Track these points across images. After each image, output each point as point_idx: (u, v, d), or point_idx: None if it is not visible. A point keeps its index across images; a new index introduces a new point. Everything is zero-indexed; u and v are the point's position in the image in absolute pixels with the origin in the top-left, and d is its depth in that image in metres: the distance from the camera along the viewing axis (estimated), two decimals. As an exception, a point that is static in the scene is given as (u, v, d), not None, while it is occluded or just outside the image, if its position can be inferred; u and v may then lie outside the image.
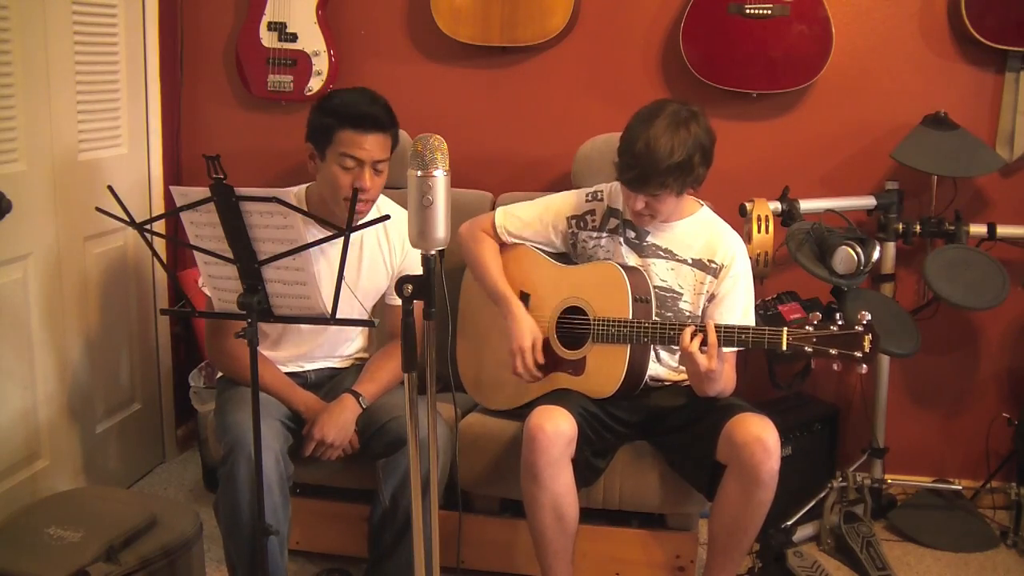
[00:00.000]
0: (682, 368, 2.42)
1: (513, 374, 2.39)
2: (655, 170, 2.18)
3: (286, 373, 2.46)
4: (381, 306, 2.56)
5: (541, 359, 2.37)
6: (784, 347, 2.11)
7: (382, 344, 2.57)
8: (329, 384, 2.53)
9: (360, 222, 1.97)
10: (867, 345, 2.04)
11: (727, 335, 2.16)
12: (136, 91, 3.11)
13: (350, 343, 2.58)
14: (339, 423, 2.34)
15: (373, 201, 2.35)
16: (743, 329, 2.17)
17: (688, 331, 2.17)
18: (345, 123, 2.25)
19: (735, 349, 2.28)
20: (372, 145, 2.26)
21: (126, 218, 1.86)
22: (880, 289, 2.97)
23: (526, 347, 2.36)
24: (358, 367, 2.54)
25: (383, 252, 2.48)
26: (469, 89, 3.20)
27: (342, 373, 2.56)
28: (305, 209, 2.34)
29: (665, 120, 2.20)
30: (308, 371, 2.53)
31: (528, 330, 2.37)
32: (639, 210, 2.29)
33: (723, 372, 2.22)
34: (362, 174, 2.26)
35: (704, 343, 2.15)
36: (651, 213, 2.30)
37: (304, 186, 2.47)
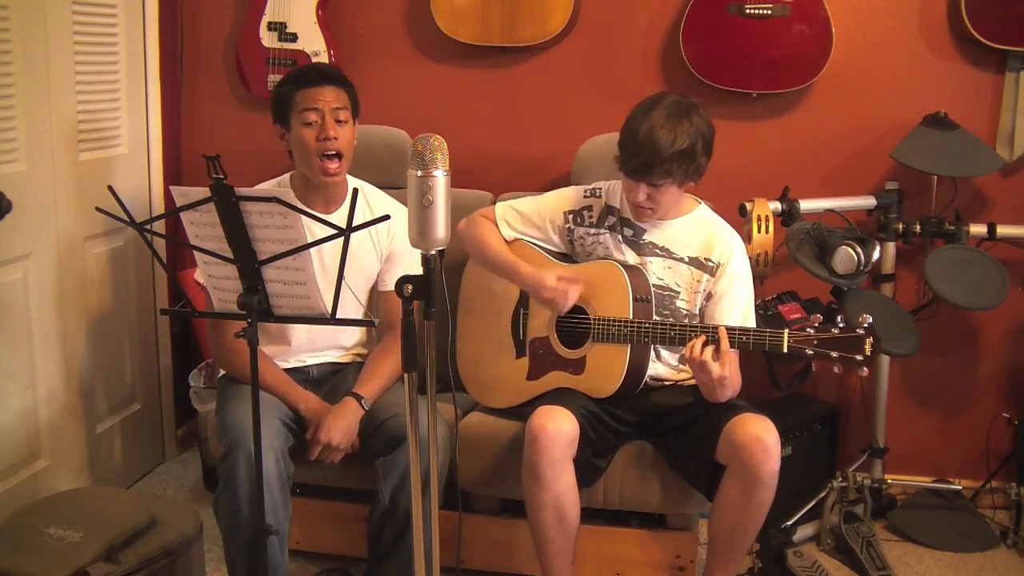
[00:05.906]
0: (683, 367, 2.42)
1: (561, 305, 2.33)
2: (659, 158, 2.18)
3: (288, 369, 2.47)
4: (376, 298, 2.55)
5: (575, 281, 2.31)
6: (785, 349, 2.11)
7: (380, 335, 2.56)
8: (331, 381, 2.53)
9: (359, 222, 1.97)
10: (868, 348, 2.04)
11: (727, 336, 2.16)
12: (136, 91, 3.11)
13: (350, 334, 2.58)
14: (343, 427, 2.34)
15: (343, 155, 2.37)
16: (744, 331, 2.17)
17: (699, 341, 2.16)
18: (299, 84, 2.36)
19: (734, 350, 2.27)
20: (328, 95, 2.35)
21: (126, 218, 1.86)
22: (880, 289, 2.97)
23: (553, 284, 2.30)
24: (359, 364, 2.54)
25: (371, 235, 2.46)
26: (469, 89, 3.20)
27: (344, 370, 2.56)
28: (295, 199, 2.36)
29: (666, 110, 2.21)
30: (310, 366, 2.54)
31: (545, 273, 2.33)
32: (640, 202, 2.29)
33: (731, 375, 2.21)
34: (325, 124, 2.33)
35: (717, 349, 2.14)
36: (652, 206, 2.30)
37: (288, 175, 2.49)
